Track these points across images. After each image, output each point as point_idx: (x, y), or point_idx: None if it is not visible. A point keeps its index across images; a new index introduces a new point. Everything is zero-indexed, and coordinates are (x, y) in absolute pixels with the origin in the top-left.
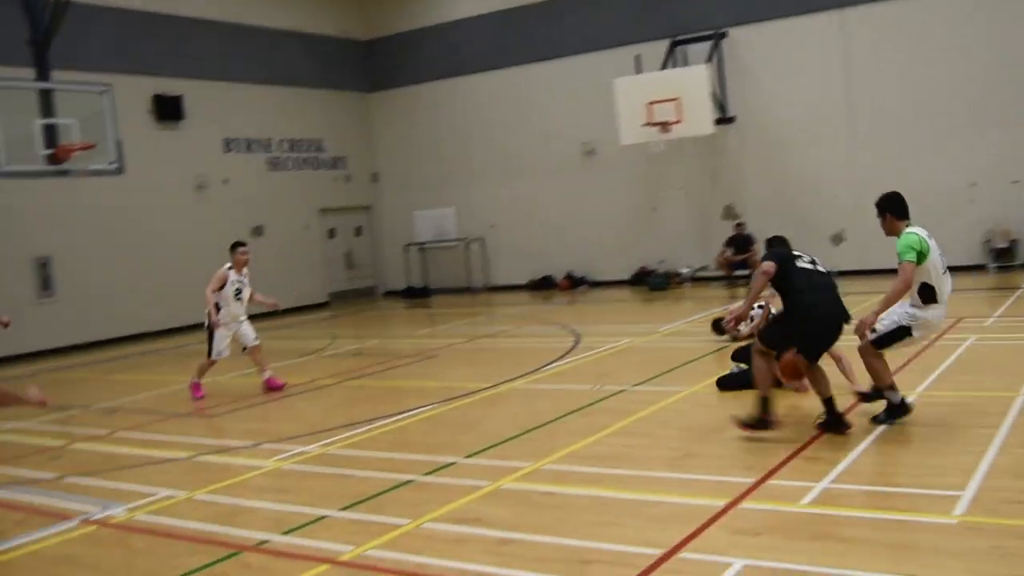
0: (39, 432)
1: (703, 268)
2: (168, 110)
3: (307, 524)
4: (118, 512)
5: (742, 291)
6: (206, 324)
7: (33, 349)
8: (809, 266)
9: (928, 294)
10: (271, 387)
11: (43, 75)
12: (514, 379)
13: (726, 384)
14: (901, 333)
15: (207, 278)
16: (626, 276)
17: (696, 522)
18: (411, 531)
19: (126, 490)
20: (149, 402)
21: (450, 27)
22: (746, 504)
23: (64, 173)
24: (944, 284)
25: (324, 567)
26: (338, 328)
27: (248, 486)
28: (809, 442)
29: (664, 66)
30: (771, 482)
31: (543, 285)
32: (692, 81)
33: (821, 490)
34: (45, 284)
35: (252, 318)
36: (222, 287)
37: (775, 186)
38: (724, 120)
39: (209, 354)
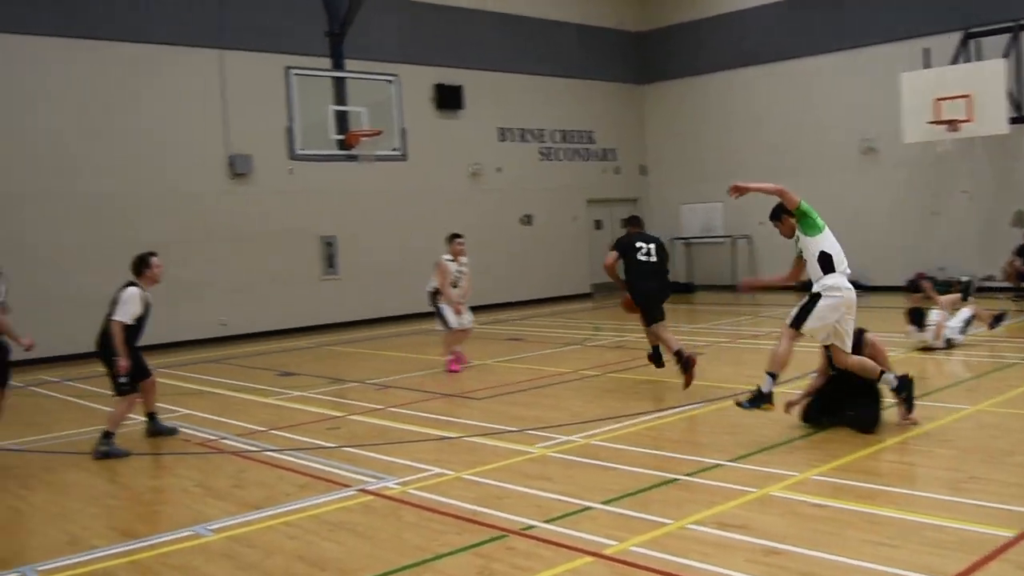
0: (319, 402)
1: (988, 278)
2: (449, 99)
3: (571, 514)
4: (391, 485)
5: None
6: (432, 304)
7: (315, 323)
8: (643, 258)
9: (826, 262)
10: (454, 366)
11: (338, 65)
12: (780, 383)
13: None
14: (811, 303)
15: (477, 262)
16: (901, 282)
17: (979, 552)
18: (675, 531)
19: (399, 464)
20: (420, 381)
21: (730, 17)
22: None
23: (353, 158)
24: (841, 255)
25: (589, 559)
26: (600, 319)
27: (514, 471)
28: None
29: (955, 60)
30: None
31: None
32: (986, 77)
33: None
34: (329, 262)
35: (516, 306)
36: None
37: None
38: (1020, 120)
39: (448, 327)
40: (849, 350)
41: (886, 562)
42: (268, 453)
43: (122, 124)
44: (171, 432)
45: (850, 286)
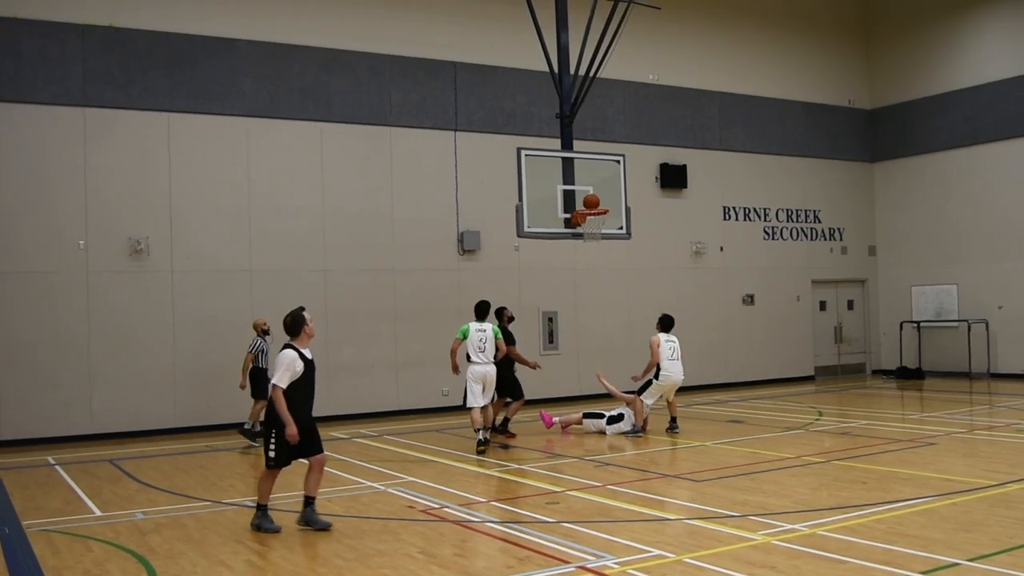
0: (537, 476)
1: None
2: (673, 178)
3: None
4: (611, 564)
5: None
6: None
7: (533, 397)
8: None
9: (468, 358)
10: None
11: (567, 145)
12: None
13: None
14: (468, 388)
15: (698, 341)
16: None
17: None
18: None
19: (618, 543)
20: (637, 459)
21: (966, 94)
22: None
23: (578, 236)
24: (476, 355)
25: None
26: (824, 404)
27: (736, 558)
28: None
29: None
30: None
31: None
32: None
33: None
34: (550, 337)
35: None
36: None
37: None
38: None
39: None
40: None
41: None
42: (489, 524)
43: (361, 203)
44: (325, 527)
45: (477, 369)
